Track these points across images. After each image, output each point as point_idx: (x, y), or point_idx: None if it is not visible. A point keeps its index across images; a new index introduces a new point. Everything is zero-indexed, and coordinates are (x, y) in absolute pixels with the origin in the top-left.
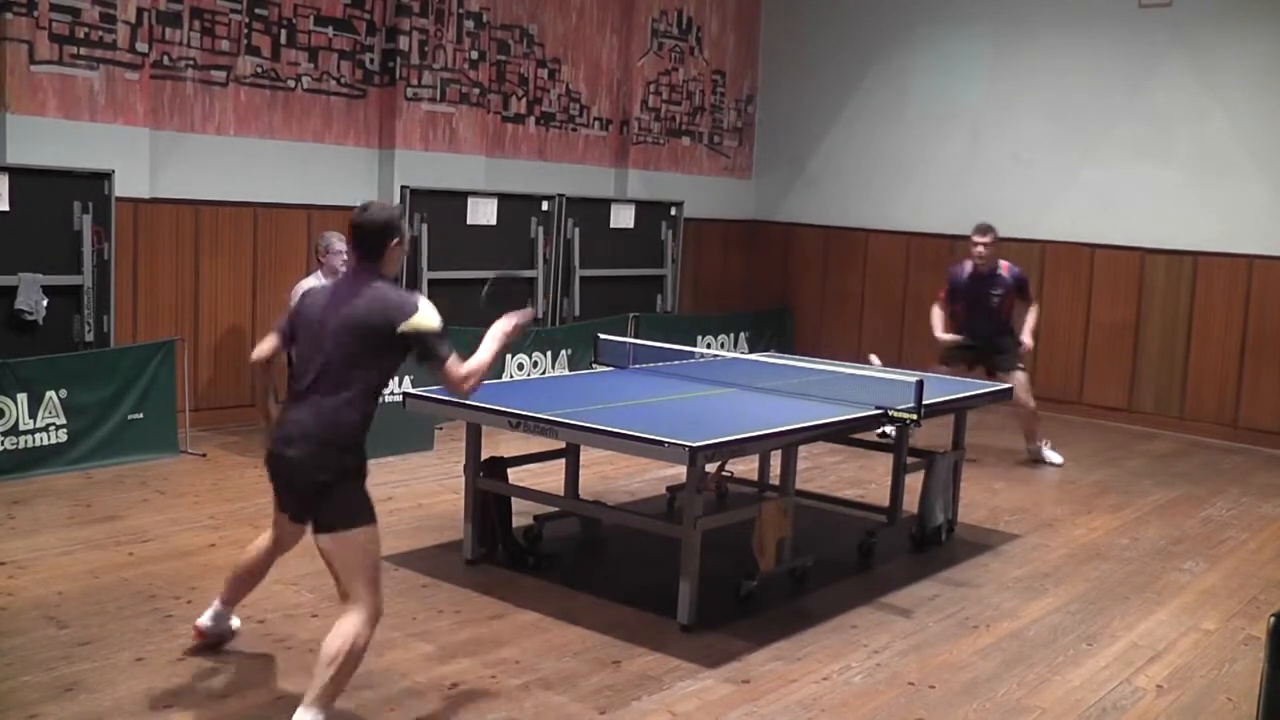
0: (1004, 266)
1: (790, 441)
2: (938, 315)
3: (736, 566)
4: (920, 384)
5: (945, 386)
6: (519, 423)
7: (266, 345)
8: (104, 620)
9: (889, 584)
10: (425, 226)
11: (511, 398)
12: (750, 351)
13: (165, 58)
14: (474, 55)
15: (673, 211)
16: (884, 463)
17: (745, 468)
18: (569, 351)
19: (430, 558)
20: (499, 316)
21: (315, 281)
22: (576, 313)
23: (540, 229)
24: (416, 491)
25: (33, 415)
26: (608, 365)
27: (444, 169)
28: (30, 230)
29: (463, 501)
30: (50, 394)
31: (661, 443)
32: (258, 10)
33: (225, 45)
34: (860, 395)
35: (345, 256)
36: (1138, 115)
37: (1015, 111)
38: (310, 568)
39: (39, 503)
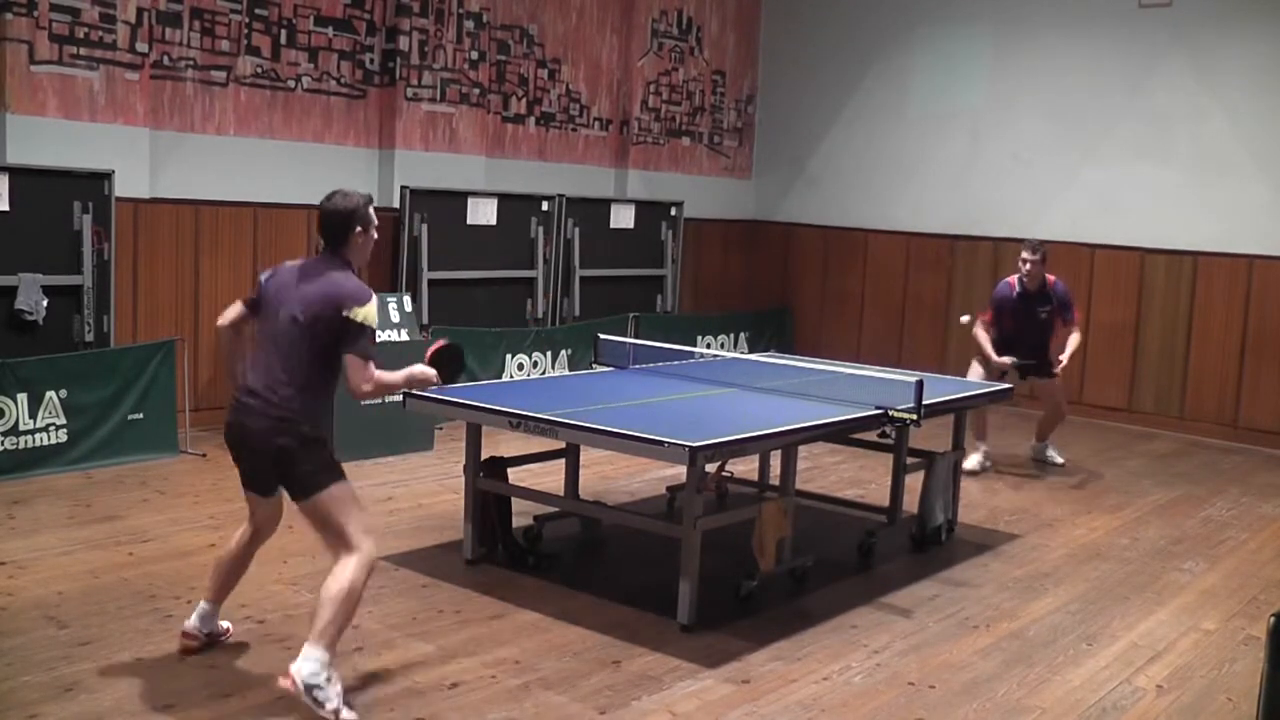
0: (1050, 281)
1: (790, 441)
2: (984, 338)
3: (736, 566)
4: (920, 384)
5: (945, 386)
6: (519, 423)
7: (232, 311)
8: (104, 620)
9: (889, 584)
10: (425, 226)
11: (511, 398)
12: (750, 351)
13: (165, 58)
14: (474, 55)
15: (673, 211)
16: (884, 463)
17: (745, 468)
18: (569, 351)
19: (430, 558)
20: (442, 369)
21: None
22: (576, 313)
23: (540, 229)
24: (416, 491)
25: (33, 415)
26: (608, 365)
27: (444, 169)
28: (30, 230)
29: (463, 501)
30: (50, 394)
31: (661, 443)
32: (258, 10)
33: (225, 45)
34: (860, 395)
35: None
36: (1138, 115)
37: (1015, 111)
38: (310, 568)
39: (39, 503)
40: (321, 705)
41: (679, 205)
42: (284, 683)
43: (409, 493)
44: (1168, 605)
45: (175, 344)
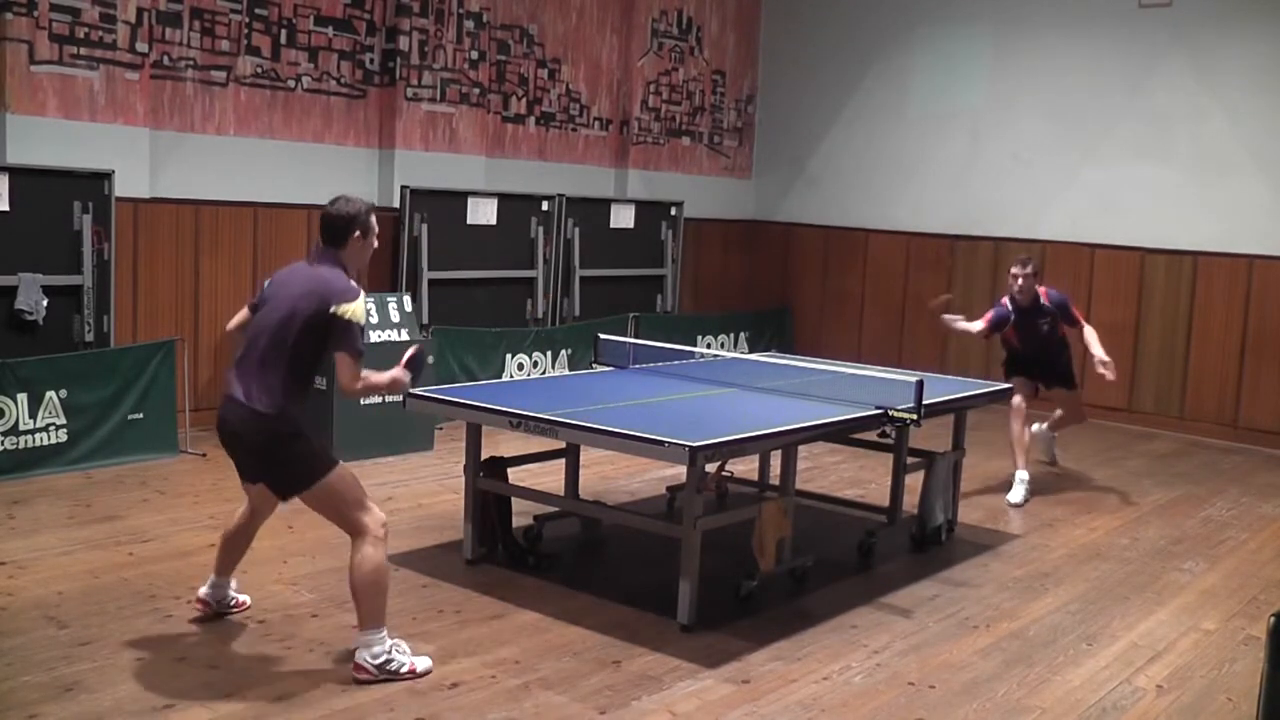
0: (1043, 294)
1: (790, 441)
2: (961, 322)
3: (736, 566)
4: (920, 384)
5: (945, 386)
6: (519, 423)
7: (239, 317)
8: (104, 620)
9: (889, 584)
10: (425, 226)
11: (511, 398)
12: (750, 351)
13: (165, 58)
14: (474, 55)
15: (673, 211)
16: (884, 463)
17: (745, 468)
18: (569, 351)
19: (430, 558)
20: (415, 373)
21: None
22: (576, 313)
23: (540, 229)
24: (416, 491)
25: (33, 415)
26: (608, 365)
27: (444, 169)
28: (30, 230)
29: (463, 501)
30: (50, 394)
31: (661, 443)
32: (258, 10)
33: (225, 45)
34: (860, 395)
35: None
36: (1138, 115)
37: (1015, 111)
38: (310, 568)
39: (39, 503)
40: (398, 674)
41: (679, 205)
42: (359, 676)
43: (409, 493)
44: (1168, 605)
45: (175, 344)
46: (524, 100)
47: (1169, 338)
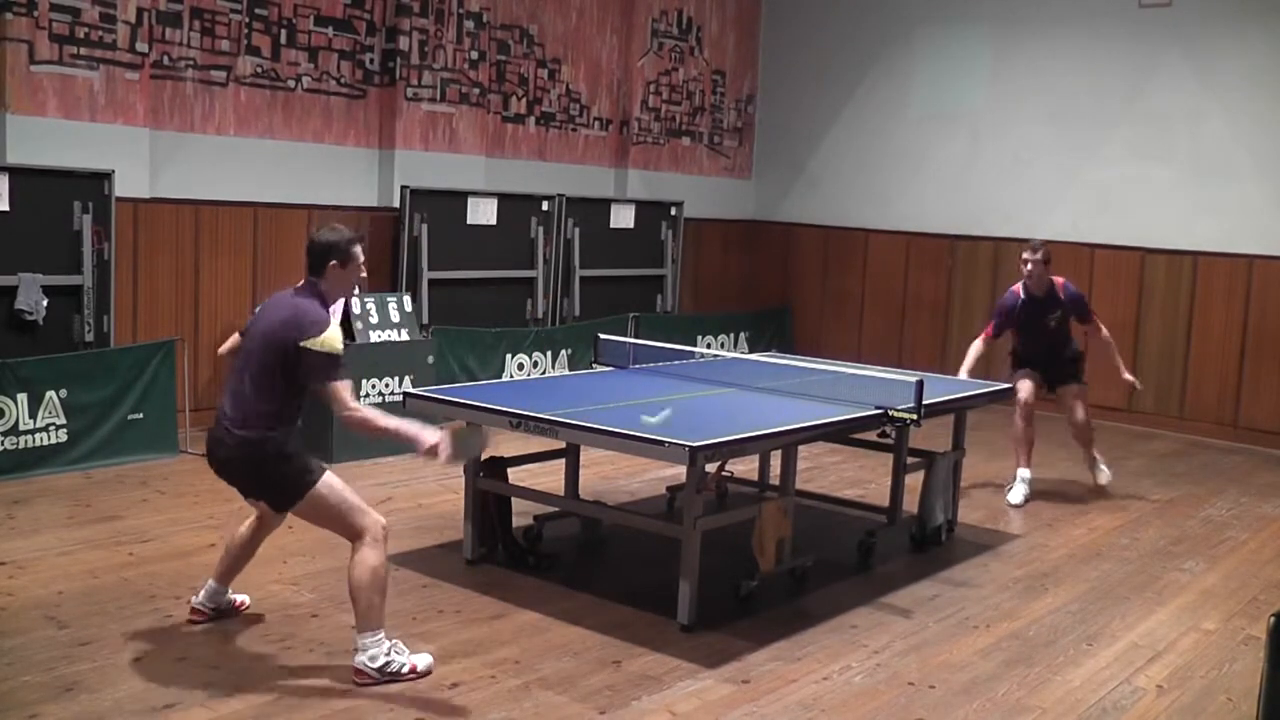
0: (1059, 285)
1: (790, 441)
2: (973, 353)
3: (736, 566)
4: (920, 384)
5: (945, 386)
6: (519, 423)
7: (231, 342)
8: (104, 620)
9: (889, 584)
10: (425, 226)
11: (511, 398)
12: (750, 351)
13: (165, 58)
14: (474, 55)
15: (673, 211)
16: (884, 463)
17: (745, 468)
18: (569, 351)
19: (430, 558)
20: (462, 449)
21: None
22: (576, 313)
23: (540, 229)
24: (416, 491)
25: (33, 415)
26: (608, 365)
27: (444, 169)
28: (30, 230)
29: (463, 501)
30: (50, 394)
31: (661, 443)
32: (258, 10)
33: (225, 45)
34: (860, 395)
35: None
36: (1138, 115)
37: (1016, 111)
38: (310, 568)
39: (39, 503)
40: (400, 675)
41: (679, 205)
42: (360, 680)
43: (409, 493)
44: (1168, 605)
45: (175, 344)
46: (524, 100)
47: (1169, 338)
